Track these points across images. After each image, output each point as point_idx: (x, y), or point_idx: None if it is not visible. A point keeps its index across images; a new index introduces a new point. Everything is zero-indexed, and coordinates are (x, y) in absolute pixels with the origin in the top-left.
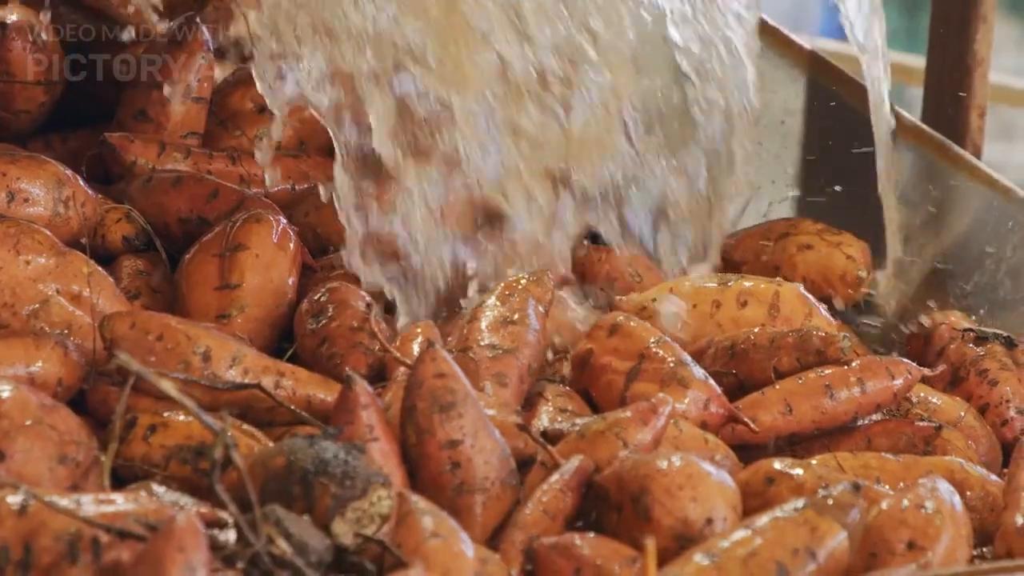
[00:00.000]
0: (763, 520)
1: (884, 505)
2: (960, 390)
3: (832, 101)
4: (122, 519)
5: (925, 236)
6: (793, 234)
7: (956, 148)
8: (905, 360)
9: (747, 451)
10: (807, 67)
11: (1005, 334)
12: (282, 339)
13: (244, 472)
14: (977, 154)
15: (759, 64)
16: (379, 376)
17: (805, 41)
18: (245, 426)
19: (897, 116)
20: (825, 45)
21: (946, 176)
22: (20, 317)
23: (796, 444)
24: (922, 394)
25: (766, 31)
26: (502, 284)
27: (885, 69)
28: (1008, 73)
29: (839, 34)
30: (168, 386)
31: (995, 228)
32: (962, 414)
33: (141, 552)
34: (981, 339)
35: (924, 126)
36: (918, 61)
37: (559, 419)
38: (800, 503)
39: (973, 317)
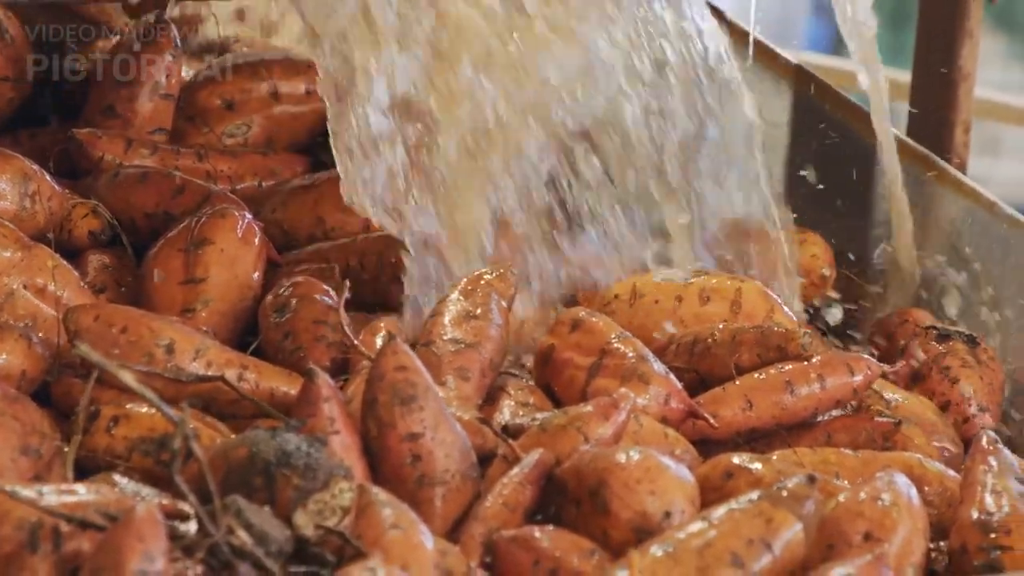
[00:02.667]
0: (719, 512)
1: (841, 497)
2: (922, 387)
3: (817, 114)
4: (83, 509)
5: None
6: None
7: (941, 162)
8: (865, 356)
9: (709, 446)
10: (792, 80)
11: (968, 332)
12: (247, 333)
13: (204, 462)
14: (962, 168)
15: (744, 77)
16: (342, 370)
17: (791, 55)
18: (208, 418)
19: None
20: (810, 59)
21: (931, 190)
22: None
23: (756, 439)
24: (894, 395)
25: (750, 44)
26: (465, 279)
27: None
28: (994, 88)
29: (825, 48)
30: (128, 377)
31: (980, 242)
32: (932, 416)
33: (100, 541)
34: (943, 336)
35: (909, 140)
36: (903, 75)
37: (520, 413)
38: (755, 495)
39: (955, 327)
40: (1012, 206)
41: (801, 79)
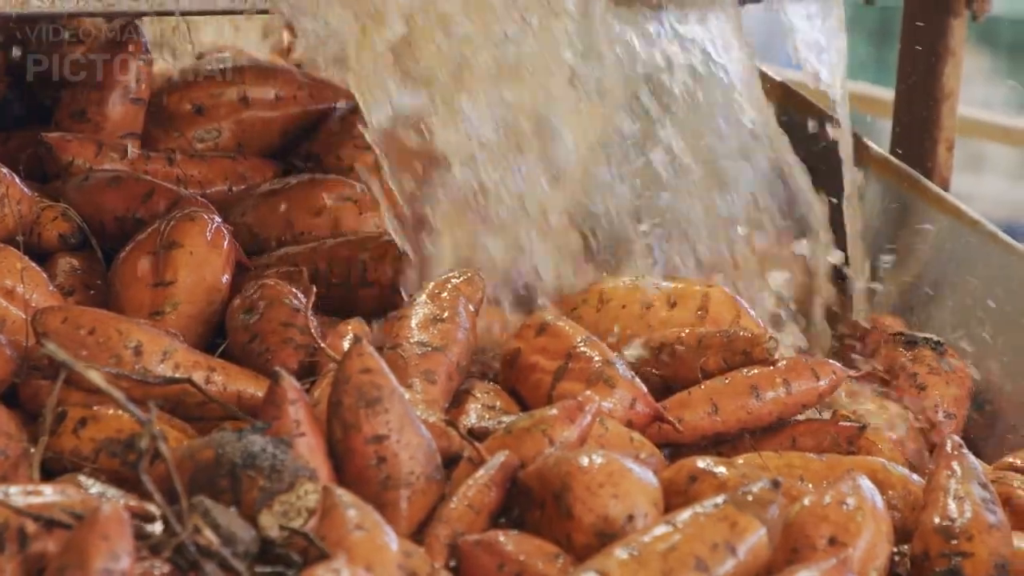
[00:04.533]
0: (683, 515)
1: (806, 501)
2: (889, 394)
3: (800, 131)
4: (49, 510)
5: (893, 266)
6: None
7: (924, 180)
8: (830, 361)
9: (675, 450)
10: (777, 97)
11: (935, 339)
12: (216, 335)
13: (170, 462)
14: (945, 186)
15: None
16: (310, 372)
17: (774, 72)
18: (175, 420)
19: (866, 148)
20: (794, 75)
21: (914, 208)
22: None
23: (722, 443)
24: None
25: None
26: (433, 283)
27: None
28: (976, 105)
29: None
30: (95, 376)
31: (962, 259)
32: (904, 418)
33: (66, 540)
34: (911, 343)
35: (892, 158)
36: (887, 93)
37: (487, 416)
38: (720, 499)
39: (922, 334)
40: (995, 223)
41: (784, 96)
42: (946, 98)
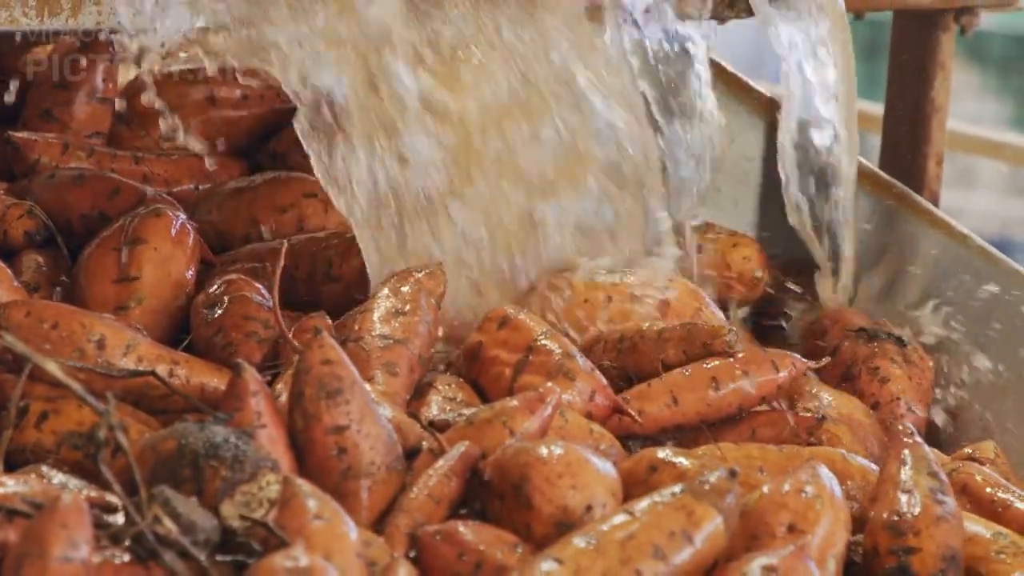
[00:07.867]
0: (641, 504)
1: (765, 489)
2: (852, 387)
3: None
4: (10, 500)
5: (883, 282)
6: None
7: (914, 195)
8: (790, 353)
9: (639, 441)
10: (766, 113)
11: (897, 333)
12: (181, 332)
13: (129, 452)
14: (935, 201)
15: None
16: (274, 365)
17: (764, 88)
18: (139, 413)
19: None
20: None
21: (904, 223)
22: None
23: (682, 435)
24: (823, 394)
25: (725, 78)
26: (395, 276)
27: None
28: (966, 120)
29: None
30: (53, 367)
31: (953, 275)
32: (861, 416)
33: (25, 529)
34: (873, 337)
35: (882, 173)
36: (876, 108)
37: (448, 408)
38: (677, 488)
39: (884, 328)
40: (984, 238)
41: (775, 111)
42: (935, 112)
